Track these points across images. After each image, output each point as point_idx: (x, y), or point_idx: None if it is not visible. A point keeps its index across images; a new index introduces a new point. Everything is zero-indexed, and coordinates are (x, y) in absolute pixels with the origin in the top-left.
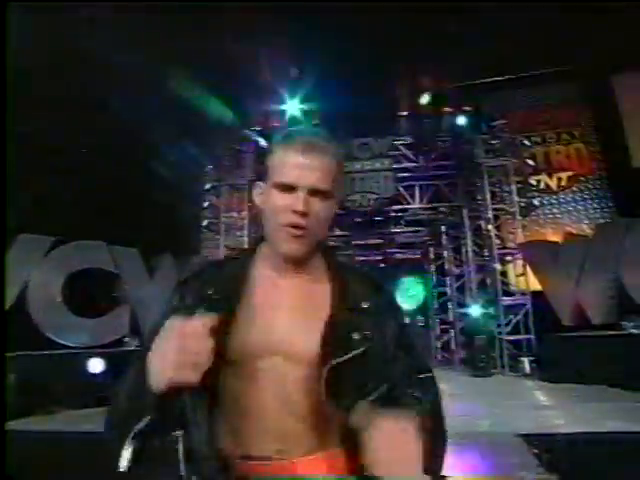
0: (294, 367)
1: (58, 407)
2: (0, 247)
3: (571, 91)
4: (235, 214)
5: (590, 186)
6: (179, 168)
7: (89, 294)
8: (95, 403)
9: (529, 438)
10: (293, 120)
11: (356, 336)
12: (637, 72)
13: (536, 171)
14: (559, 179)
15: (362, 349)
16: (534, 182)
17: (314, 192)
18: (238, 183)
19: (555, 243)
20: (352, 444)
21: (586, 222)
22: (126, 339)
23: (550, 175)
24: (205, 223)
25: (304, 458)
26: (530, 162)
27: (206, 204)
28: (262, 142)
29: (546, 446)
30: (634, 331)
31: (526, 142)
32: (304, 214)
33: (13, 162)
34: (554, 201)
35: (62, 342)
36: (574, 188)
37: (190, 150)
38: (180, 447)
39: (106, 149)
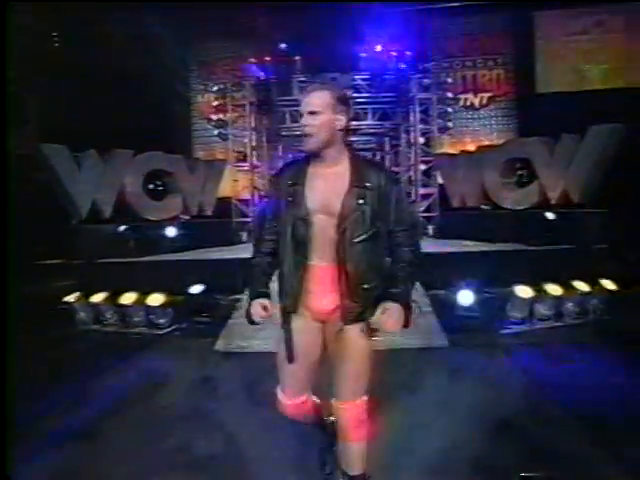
0: (329, 219)
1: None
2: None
3: (500, 22)
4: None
5: (503, 106)
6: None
7: (158, 186)
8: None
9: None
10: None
11: (360, 202)
12: (553, 10)
13: (465, 90)
14: (482, 98)
15: (364, 208)
16: (462, 99)
17: (310, 112)
18: (240, 103)
19: (454, 155)
20: (352, 260)
21: (495, 135)
22: (180, 215)
23: (475, 94)
24: (216, 132)
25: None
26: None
27: (215, 118)
28: (259, 73)
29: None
30: (485, 207)
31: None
32: (305, 125)
33: None
34: (476, 116)
35: (147, 217)
36: (491, 107)
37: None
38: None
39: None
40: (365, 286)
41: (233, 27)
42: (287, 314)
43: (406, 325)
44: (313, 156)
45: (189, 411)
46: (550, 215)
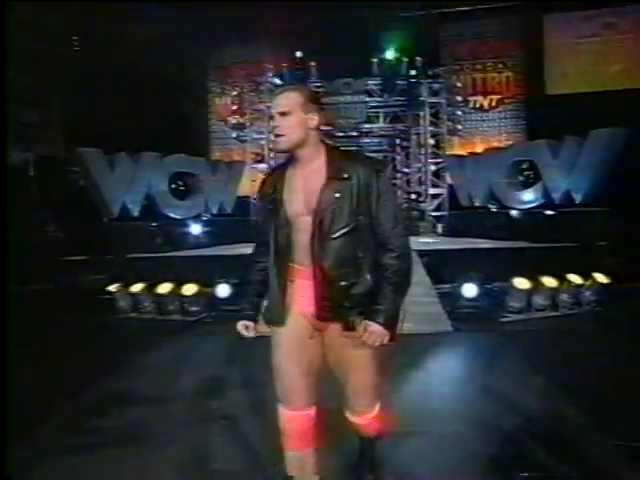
0: (308, 218)
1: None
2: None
3: (509, 26)
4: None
5: (512, 108)
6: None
7: (182, 186)
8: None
9: (422, 252)
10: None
11: (337, 195)
12: (563, 13)
13: (474, 93)
14: (491, 100)
15: (341, 201)
16: (472, 102)
17: (280, 113)
18: (258, 108)
19: (462, 156)
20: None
21: (504, 136)
22: (203, 214)
23: (485, 96)
24: (234, 135)
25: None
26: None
27: (234, 121)
28: (275, 80)
29: (430, 256)
30: (493, 209)
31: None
32: (276, 126)
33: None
34: (485, 118)
35: (171, 215)
36: (500, 109)
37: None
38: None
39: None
40: (342, 283)
41: (249, 33)
42: (273, 326)
43: (391, 339)
44: (291, 159)
45: (223, 382)
46: (553, 214)
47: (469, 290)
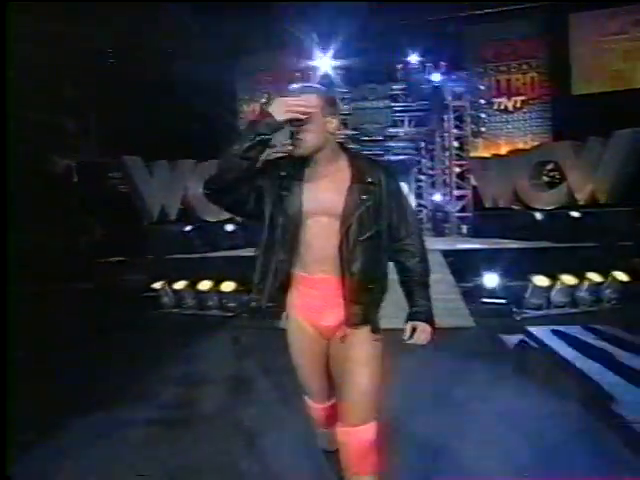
0: (330, 220)
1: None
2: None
3: (534, 27)
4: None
5: (537, 108)
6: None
7: None
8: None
9: (447, 252)
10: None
11: (364, 197)
12: (590, 11)
13: (499, 94)
14: (515, 102)
15: (368, 204)
16: (496, 103)
17: (295, 120)
18: None
19: (486, 158)
20: (349, 270)
21: (530, 137)
22: (236, 218)
23: (509, 98)
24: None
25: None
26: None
27: None
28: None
29: (454, 256)
30: (516, 207)
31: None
32: (295, 130)
33: None
34: (510, 119)
35: (207, 218)
36: (525, 109)
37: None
38: (258, 262)
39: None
40: (370, 286)
41: (276, 41)
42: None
43: (433, 335)
44: (308, 159)
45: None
46: (577, 214)
47: (490, 281)
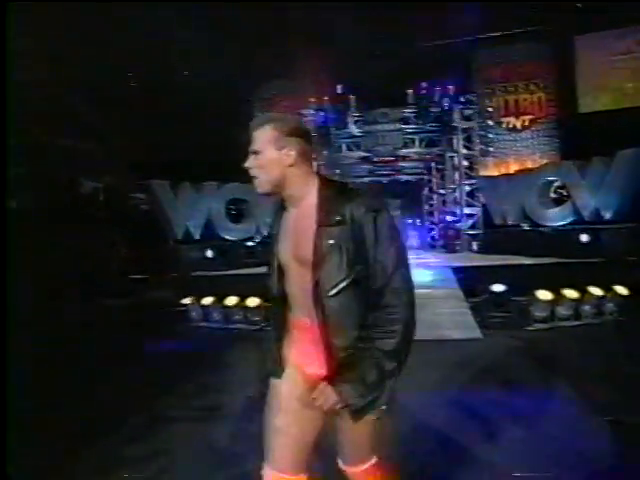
0: (302, 268)
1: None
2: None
3: (541, 49)
4: None
5: (544, 127)
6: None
7: (236, 211)
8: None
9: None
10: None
11: (331, 242)
12: (596, 32)
13: (507, 114)
14: (523, 121)
15: (339, 248)
16: (505, 123)
17: (252, 152)
18: None
19: (495, 177)
20: (327, 316)
21: (538, 155)
22: (255, 237)
23: (517, 117)
24: None
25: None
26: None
27: None
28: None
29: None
30: (526, 227)
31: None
32: (249, 168)
33: None
34: (518, 138)
35: (227, 237)
36: (532, 128)
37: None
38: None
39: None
40: (347, 343)
41: (292, 69)
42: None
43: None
44: (284, 199)
45: None
46: (584, 232)
47: (498, 287)
